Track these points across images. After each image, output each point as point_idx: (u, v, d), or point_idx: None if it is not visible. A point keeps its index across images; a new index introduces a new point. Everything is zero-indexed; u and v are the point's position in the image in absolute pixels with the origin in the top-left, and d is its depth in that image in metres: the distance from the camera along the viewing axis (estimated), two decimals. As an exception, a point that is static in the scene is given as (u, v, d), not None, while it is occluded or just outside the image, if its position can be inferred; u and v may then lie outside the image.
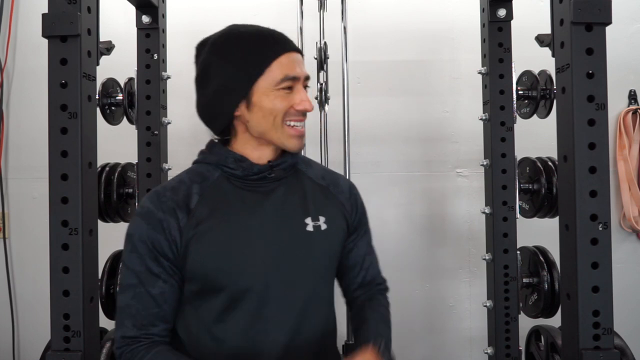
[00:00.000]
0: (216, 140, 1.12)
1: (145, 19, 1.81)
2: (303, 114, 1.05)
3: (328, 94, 1.86)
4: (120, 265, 1.08)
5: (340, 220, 1.13)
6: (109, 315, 1.67)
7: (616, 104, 2.30)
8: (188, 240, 1.01)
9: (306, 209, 1.09)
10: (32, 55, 2.31)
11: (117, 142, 1.87)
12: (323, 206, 1.12)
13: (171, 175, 1.86)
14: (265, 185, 1.07)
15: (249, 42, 1.04)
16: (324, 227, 1.09)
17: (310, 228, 1.07)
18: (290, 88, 1.04)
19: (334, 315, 1.16)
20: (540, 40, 1.47)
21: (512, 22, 1.80)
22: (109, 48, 1.51)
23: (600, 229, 1.24)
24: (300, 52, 1.08)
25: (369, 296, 1.19)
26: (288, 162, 1.10)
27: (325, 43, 1.85)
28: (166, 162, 1.85)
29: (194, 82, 1.10)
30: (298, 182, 1.12)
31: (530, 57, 1.68)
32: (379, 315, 1.15)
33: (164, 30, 1.87)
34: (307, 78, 1.07)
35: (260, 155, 1.08)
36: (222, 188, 1.06)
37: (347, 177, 1.88)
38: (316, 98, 1.86)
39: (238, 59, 1.03)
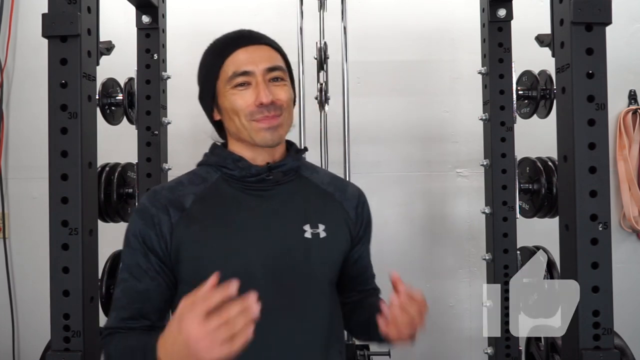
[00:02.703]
0: (219, 143, 1.11)
1: (145, 19, 1.81)
2: (268, 108, 0.98)
3: (328, 94, 1.86)
4: None
5: (343, 229, 1.09)
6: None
7: (616, 104, 2.30)
8: (180, 239, 0.99)
9: (306, 215, 1.05)
10: (32, 55, 2.30)
11: (117, 142, 1.87)
12: (325, 213, 1.07)
13: (171, 175, 1.86)
14: (264, 188, 1.05)
15: (214, 48, 1.06)
16: (323, 235, 1.04)
17: (308, 235, 1.03)
18: (245, 84, 0.99)
19: (340, 329, 1.11)
20: (540, 40, 1.47)
21: (512, 22, 1.80)
22: (109, 48, 1.51)
23: (600, 229, 1.24)
24: (268, 44, 1.04)
25: (365, 295, 1.19)
26: (288, 165, 1.06)
27: (325, 43, 1.85)
28: (166, 162, 1.85)
29: None
30: (300, 188, 1.08)
31: (530, 57, 1.68)
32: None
33: (164, 30, 1.87)
34: (270, 69, 1.00)
35: (254, 156, 1.04)
36: (220, 190, 1.04)
37: (348, 177, 1.89)
38: (316, 98, 1.86)
39: (203, 67, 1.07)
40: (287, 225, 1.04)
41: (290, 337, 1.00)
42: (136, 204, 1.75)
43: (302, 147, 1.16)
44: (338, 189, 1.13)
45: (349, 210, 1.11)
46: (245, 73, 0.99)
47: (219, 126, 1.10)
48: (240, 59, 1.00)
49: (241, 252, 1.00)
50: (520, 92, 1.75)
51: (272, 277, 1.00)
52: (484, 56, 1.86)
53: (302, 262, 1.03)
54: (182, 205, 1.01)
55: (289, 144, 1.12)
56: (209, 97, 1.05)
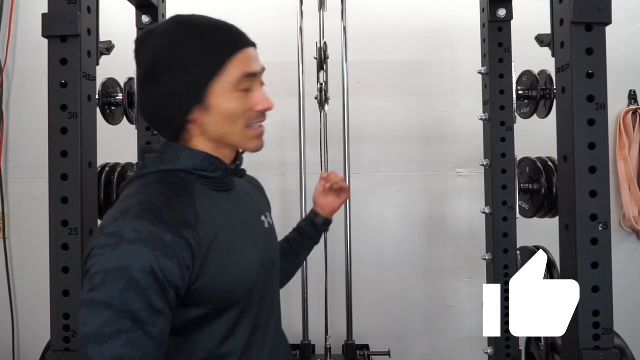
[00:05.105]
0: (171, 143, 0.97)
1: (145, 19, 1.81)
2: (263, 113, 0.98)
3: (328, 94, 1.86)
4: (85, 312, 0.78)
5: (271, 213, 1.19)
6: (109, 315, 1.66)
7: (616, 104, 2.30)
8: (203, 259, 0.86)
9: (259, 207, 1.11)
10: (32, 55, 2.31)
11: (117, 142, 1.87)
12: (264, 203, 1.18)
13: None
14: (230, 187, 1.02)
15: (202, 37, 0.92)
16: (271, 222, 1.13)
17: (267, 225, 1.09)
18: (248, 88, 0.94)
19: None
20: (540, 40, 1.47)
21: (512, 22, 1.80)
22: (109, 48, 1.51)
23: (600, 229, 1.24)
24: (255, 45, 0.98)
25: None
26: (241, 162, 1.08)
27: (325, 43, 1.85)
28: (166, 162, 1.84)
29: (136, 81, 0.97)
30: (242, 183, 1.11)
31: (530, 57, 1.68)
32: None
33: (164, 30, 1.86)
34: (263, 71, 0.99)
35: (223, 156, 0.98)
36: (205, 194, 0.94)
37: (348, 178, 1.89)
38: (316, 98, 1.86)
39: (189, 57, 0.90)
40: (257, 219, 1.08)
41: (276, 318, 1.08)
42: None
43: None
44: (254, 181, 1.22)
45: (265, 195, 1.23)
46: (253, 75, 0.94)
47: (181, 126, 0.95)
48: (247, 60, 0.93)
49: (248, 249, 0.99)
50: (520, 92, 1.75)
51: (265, 268, 1.04)
52: (484, 56, 1.86)
53: (273, 250, 1.09)
54: (188, 222, 0.86)
55: None
56: (193, 95, 0.91)
